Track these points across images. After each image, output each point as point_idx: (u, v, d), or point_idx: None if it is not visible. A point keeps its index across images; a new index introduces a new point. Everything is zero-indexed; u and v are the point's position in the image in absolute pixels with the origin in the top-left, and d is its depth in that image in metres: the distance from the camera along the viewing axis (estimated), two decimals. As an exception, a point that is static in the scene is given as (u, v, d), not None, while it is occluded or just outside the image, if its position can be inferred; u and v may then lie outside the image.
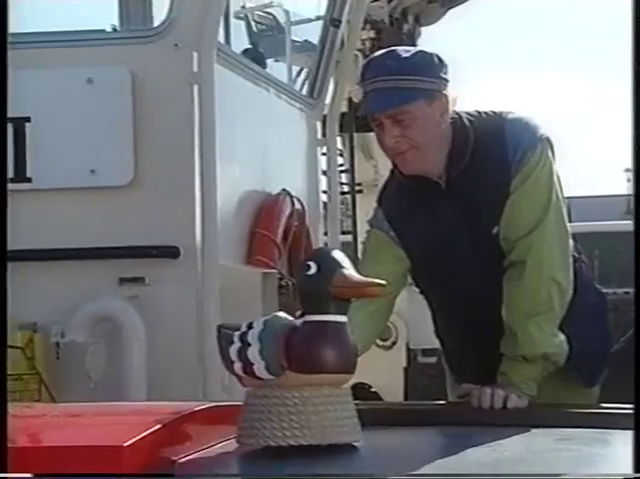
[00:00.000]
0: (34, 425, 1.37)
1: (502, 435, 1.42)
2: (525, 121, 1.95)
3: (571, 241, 1.97)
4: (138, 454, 1.09)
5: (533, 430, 1.47)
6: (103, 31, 3.07)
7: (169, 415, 1.26)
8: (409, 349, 4.60)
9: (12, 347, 2.71)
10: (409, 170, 1.92)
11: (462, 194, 1.93)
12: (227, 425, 1.29)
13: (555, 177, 1.96)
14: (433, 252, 1.95)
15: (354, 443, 1.26)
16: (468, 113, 1.97)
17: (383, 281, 1.29)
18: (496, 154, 1.92)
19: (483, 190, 1.92)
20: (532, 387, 1.85)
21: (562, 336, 1.90)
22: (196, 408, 1.32)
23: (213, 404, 1.40)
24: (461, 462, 1.25)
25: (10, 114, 3.17)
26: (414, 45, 4.77)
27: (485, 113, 1.99)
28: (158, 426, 1.17)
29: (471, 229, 1.94)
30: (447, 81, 1.88)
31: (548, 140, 1.95)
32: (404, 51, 1.90)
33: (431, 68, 1.87)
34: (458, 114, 1.95)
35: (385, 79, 1.83)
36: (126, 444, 1.08)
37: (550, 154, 1.95)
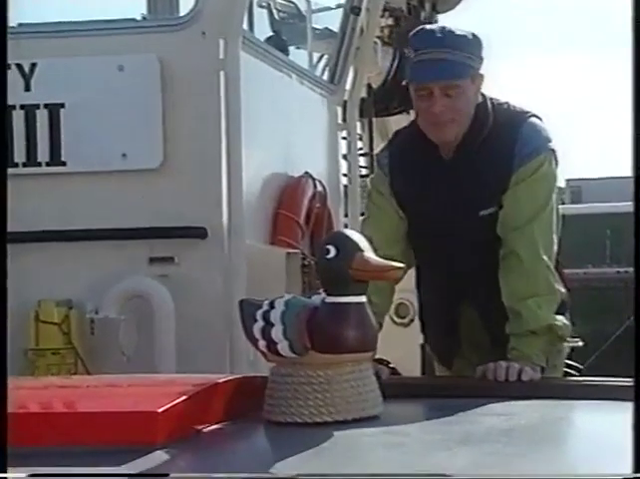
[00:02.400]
0: (71, 394, 1.44)
1: (517, 406, 1.48)
2: (542, 127, 2.08)
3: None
4: (170, 421, 1.14)
5: (548, 401, 1.52)
6: (133, 20, 3.16)
7: (199, 386, 1.31)
8: (426, 327, 4.68)
9: (49, 323, 2.84)
10: (441, 138, 2.04)
11: (464, 170, 2.06)
12: (254, 396, 1.34)
13: (554, 184, 2.07)
14: (417, 208, 2.10)
15: (377, 415, 1.31)
16: (495, 99, 2.10)
17: (401, 265, 1.36)
18: (506, 145, 2.04)
19: (484, 173, 2.05)
20: (543, 359, 1.94)
21: (563, 317, 2.00)
22: (225, 380, 1.38)
23: (241, 376, 1.46)
24: (476, 429, 1.31)
25: (45, 100, 3.30)
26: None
27: (511, 106, 2.12)
28: (189, 395, 1.22)
29: (458, 204, 2.07)
30: (482, 62, 2.03)
31: (554, 151, 2.08)
32: (453, 28, 2.02)
33: (478, 48, 2.01)
34: (484, 97, 2.08)
35: (440, 50, 1.94)
36: (160, 410, 1.13)
37: (554, 164, 2.07)
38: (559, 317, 1.98)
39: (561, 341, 2.01)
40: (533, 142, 2.04)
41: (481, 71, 2.04)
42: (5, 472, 0.96)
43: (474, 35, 2.02)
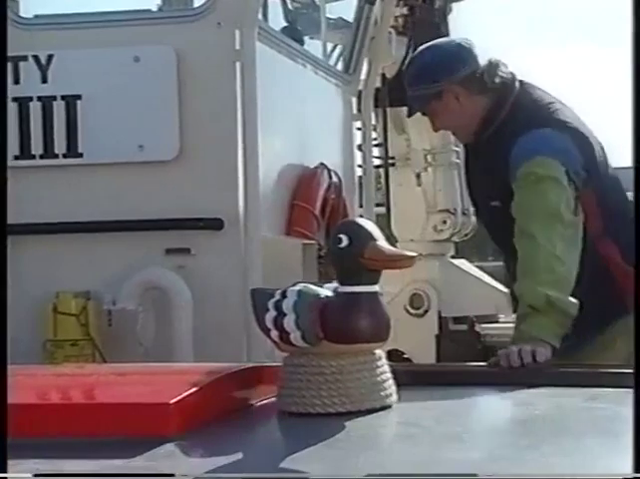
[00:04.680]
0: (83, 384, 1.43)
1: (533, 394, 1.46)
2: (555, 134, 2.14)
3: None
4: (182, 412, 1.14)
5: (563, 389, 1.50)
6: (149, 11, 3.16)
7: (213, 375, 1.31)
8: (440, 317, 4.69)
9: (67, 314, 2.85)
10: (460, 141, 2.51)
11: (482, 156, 2.26)
12: (267, 385, 1.34)
13: (551, 186, 2.09)
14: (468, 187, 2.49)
15: (391, 405, 1.30)
16: (528, 90, 2.23)
17: (414, 253, 1.34)
18: (506, 147, 2.13)
19: (488, 168, 2.23)
20: (552, 337, 1.94)
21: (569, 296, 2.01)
22: (238, 369, 1.38)
23: (254, 365, 1.46)
24: (491, 419, 1.32)
25: (62, 92, 3.31)
26: (445, 21, 4.82)
27: (539, 103, 2.21)
28: (202, 385, 1.22)
29: (478, 193, 2.36)
30: (455, 71, 2.22)
31: (556, 156, 2.10)
32: (422, 57, 2.30)
33: (439, 72, 2.23)
34: (518, 84, 2.25)
35: (409, 89, 2.29)
36: (172, 402, 1.12)
37: (552, 169, 2.09)
38: (562, 294, 1.99)
39: (569, 318, 1.98)
40: (539, 145, 2.11)
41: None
42: (5, 472, 0.95)
43: (445, 55, 2.25)
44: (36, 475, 0.95)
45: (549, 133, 2.15)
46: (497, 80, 2.21)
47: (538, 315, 1.96)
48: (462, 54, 2.24)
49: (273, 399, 1.33)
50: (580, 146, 2.18)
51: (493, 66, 2.23)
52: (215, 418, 1.23)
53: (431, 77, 2.22)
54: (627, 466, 0.92)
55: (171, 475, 0.97)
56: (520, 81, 2.26)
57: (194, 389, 1.20)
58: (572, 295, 2.01)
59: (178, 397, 1.15)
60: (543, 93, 2.29)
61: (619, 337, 2.16)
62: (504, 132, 2.18)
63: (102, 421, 1.14)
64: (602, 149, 2.31)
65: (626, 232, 2.26)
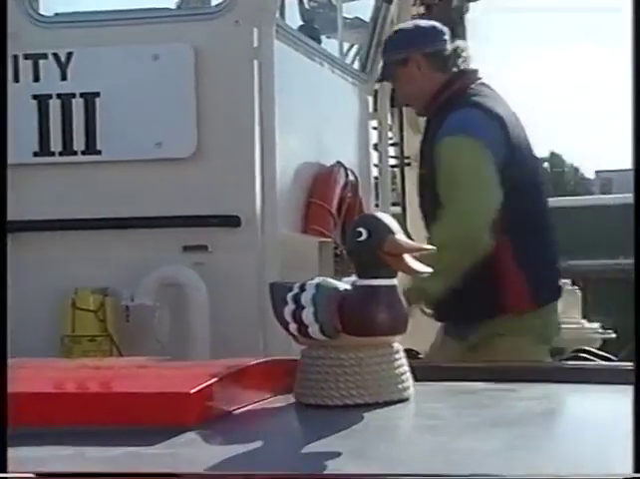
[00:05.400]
0: (102, 375, 1.45)
1: (552, 389, 1.46)
2: (468, 116, 2.40)
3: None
4: (202, 402, 1.15)
5: (584, 386, 1.51)
6: (167, 9, 3.18)
7: (231, 368, 1.32)
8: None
9: (85, 310, 2.87)
10: (413, 110, 2.79)
11: (428, 132, 2.57)
12: (285, 379, 1.35)
13: (464, 166, 2.35)
14: None
15: (408, 398, 1.31)
16: (480, 85, 2.51)
17: (432, 247, 1.36)
18: (439, 126, 2.44)
19: (432, 141, 2.49)
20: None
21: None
22: (256, 362, 1.39)
23: (272, 358, 1.47)
24: (508, 412, 1.31)
25: (81, 90, 3.33)
26: (462, 20, 4.81)
27: (473, 90, 2.50)
28: (220, 376, 1.23)
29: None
30: (423, 44, 2.52)
31: (474, 138, 2.35)
32: (399, 29, 2.66)
33: (409, 40, 2.54)
34: (475, 78, 2.53)
35: (383, 55, 2.67)
36: (192, 391, 1.13)
37: (467, 149, 2.35)
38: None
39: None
40: (451, 125, 2.38)
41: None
42: (5, 472, 0.95)
43: (410, 29, 2.61)
44: (38, 474, 0.95)
45: (476, 113, 2.39)
46: (458, 64, 2.50)
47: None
48: (434, 32, 2.54)
49: (291, 392, 1.34)
50: (505, 134, 2.40)
51: (459, 52, 2.51)
52: (234, 409, 1.24)
53: (401, 44, 2.53)
54: (611, 472, 0.92)
55: (173, 475, 0.97)
56: (480, 78, 2.53)
57: (214, 380, 1.22)
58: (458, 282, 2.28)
59: (198, 387, 1.16)
60: (494, 94, 2.53)
61: (497, 336, 2.28)
62: (444, 109, 2.45)
63: (122, 410, 1.15)
64: (531, 153, 2.52)
65: (529, 234, 2.46)
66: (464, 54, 2.50)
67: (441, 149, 2.35)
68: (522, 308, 2.37)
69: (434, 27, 2.56)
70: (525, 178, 2.44)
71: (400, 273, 1.33)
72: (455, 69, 2.49)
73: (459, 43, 2.55)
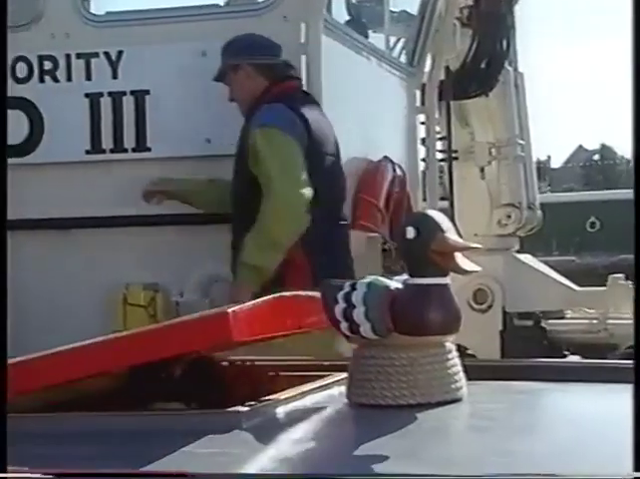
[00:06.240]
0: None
1: (602, 390, 1.44)
2: (272, 111, 2.69)
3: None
4: (242, 320, 1.19)
5: (621, 385, 1.44)
6: (216, 6, 3.19)
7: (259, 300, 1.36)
8: (505, 313, 4.64)
9: (136, 306, 2.91)
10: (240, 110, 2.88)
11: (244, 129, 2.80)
12: (317, 313, 1.36)
13: (274, 155, 2.64)
14: None
15: (461, 398, 1.29)
16: (296, 89, 2.84)
17: (480, 246, 1.35)
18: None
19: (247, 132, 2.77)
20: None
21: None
22: (291, 294, 1.42)
23: (305, 293, 1.48)
24: (561, 413, 1.29)
25: (131, 87, 3.36)
26: (511, 11, 4.75)
27: (290, 94, 2.79)
28: (255, 302, 1.29)
29: None
30: (254, 55, 2.81)
31: (282, 128, 2.63)
32: (239, 37, 2.85)
33: (244, 50, 2.81)
34: (301, 85, 2.86)
35: (221, 59, 2.86)
36: (230, 310, 1.18)
37: (273, 140, 2.63)
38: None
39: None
40: (257, 120, 2.69)
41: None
42: (5, 472, 0.96)
43: (245, 40, 2.84)
44: (36, 474, 0.96)
45: (281, 107, 2.67)
46: (285, 74, 2.79)
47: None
48: (265, 47, 2.82)
49: (322, 320, 1.35)
50: (306, 127, 2.67)
51: (287, 64, 2.81)
52: (270, 331, 1.28)
53: (236, 52, 2.81)
54: (611, 472, 0.91)
55: (170, 475, 0.98)
56: (301, 87, 2.85)
57: (250, 304, 1.28)
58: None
59: (236, 308, 1.21)
60: (310, 99, 2.81)
61: None
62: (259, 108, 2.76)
63: (171, 341, 1.21)
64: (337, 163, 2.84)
65: (321, 221, 2.70)
66: (290, 65, 2.83)
67: (247, 139, 2.68)
68: (302, 286, 2.56)
69: (267, 42, 2.84)
70: (325, 170, 2.76)
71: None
72: (280, 78, 2.80)
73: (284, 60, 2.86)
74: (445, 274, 1.29)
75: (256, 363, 1.51)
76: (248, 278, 2.60)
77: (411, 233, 1.28)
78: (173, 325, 1.25)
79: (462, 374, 1.32)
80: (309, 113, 2.74)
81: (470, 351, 4.35)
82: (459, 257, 1.29)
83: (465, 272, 1.29)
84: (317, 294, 1.39)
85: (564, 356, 4.66)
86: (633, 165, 1.02)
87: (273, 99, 2.74)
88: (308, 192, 2.63)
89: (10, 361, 1.20)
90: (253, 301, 1.31)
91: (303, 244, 2.65)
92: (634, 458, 0.90)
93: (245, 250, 2.62)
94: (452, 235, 1.28)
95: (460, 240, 1.29)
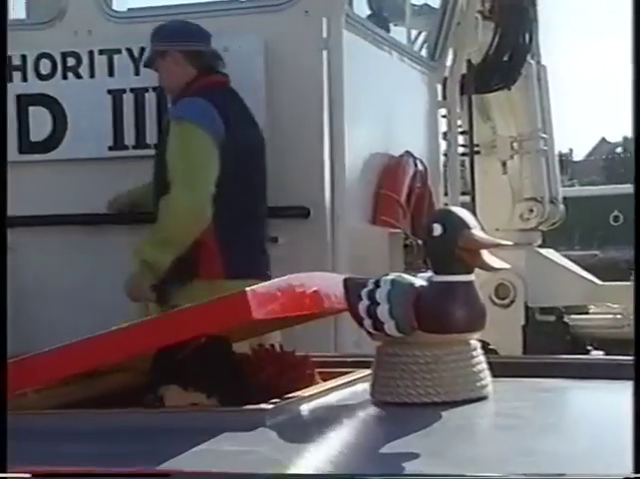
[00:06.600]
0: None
1: (625, 388, 1.38)
2: (186, 104, 2.69)
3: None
4: (260, 297, 1.20)
5: None
6: (237, 1, 3.19)
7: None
8: (527, 308, 4.61)
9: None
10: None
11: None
12: (334, 293, 1.38)
13: (185, 149, 2.61)
14: None
15: (486, 396, 1.28)
16: (223, 83, 2.82)
17: (509, 242, 1.34)
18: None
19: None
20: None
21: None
22: (306, 275, 1.44)
23: (314, 274, 1.50)
24: (589, 412, 1.29)
25: (153, 83, 3.35)
26: (534, 4, 4.71)
27: (214, 88, 2.77)
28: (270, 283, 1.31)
29: None
30: (182, 43, 2.78)
31: (196, 122, 2.62)
32: (170, 23, 2.85)
33: (174, 37, 2.79)
34: (226, 80, 2.82)
35: (150, 44, 2.85)
36: (248, 289, 1.19)
37: (185, 133, 2.62)
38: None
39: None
40: (176, 110, 2.72)
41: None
42: (5, 472, 0.96)
43: (173, 26, 2.84)
44: (35, 475, 0.96)
45: (197, 100, 2.65)
46: (213, 65, 2.77)
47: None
48: (199, 34, 2.78)
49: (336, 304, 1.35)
50: (223, 120, 2.64)
51: (217, 55, 2.79)
52: (289, 310, 1.29)
53: (164, 39, 2.78)
54: (611, 472, 0.90)
55: (168, 475, 0.98)
56: (228, 82, 2.80)
57: (268, 283, 1.30)
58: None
59: (254, 287, 1.22)
60: (232, 94, 2.78)
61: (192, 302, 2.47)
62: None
63: (191, 323, 1.22)
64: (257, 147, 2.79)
65: (236, 212, 2.69)
66: (218, 55, 2.80)
67: (167, 132, 2.67)
68: (213, 277, 2.60)
69: (197, 29, 2.80)
70: (243, 167, 2.70)
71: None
72: (207, 69, 2.77)
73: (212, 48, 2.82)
74: (470, 272, 1.28)
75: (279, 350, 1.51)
76: (140, 272, 2.60)
77: (437, 229, 1.27)
78: (193, 307, 1.26)
79: (487, 372, 1.31)
80: (232, 109, 2.72)
81: (491, 347, 4.34)
82: (485, 254, 1.28)
83: (492, 269, 1.28)
84: (334, 276, 1.39)
85: (587, 352, 4.63)
86: (634, 165, 0.99)
87: (200, 90, 2.71)
88: (208, 193, 2.59)
89: (35, 353, 1.22)
90: (271, 281, 1.32)
91: (216, 239, 2.63)
92: (634, 458, 0.89)
93: (139, 245, 2.61)
94: (478, 231, 1.27)
95: (487, 237, 1.28)
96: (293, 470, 1.00)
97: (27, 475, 0.95)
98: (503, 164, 4.87)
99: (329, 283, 1.43)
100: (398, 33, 4.05)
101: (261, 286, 1.25)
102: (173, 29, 2.80)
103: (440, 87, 4.04)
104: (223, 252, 2.64)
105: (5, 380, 1.07)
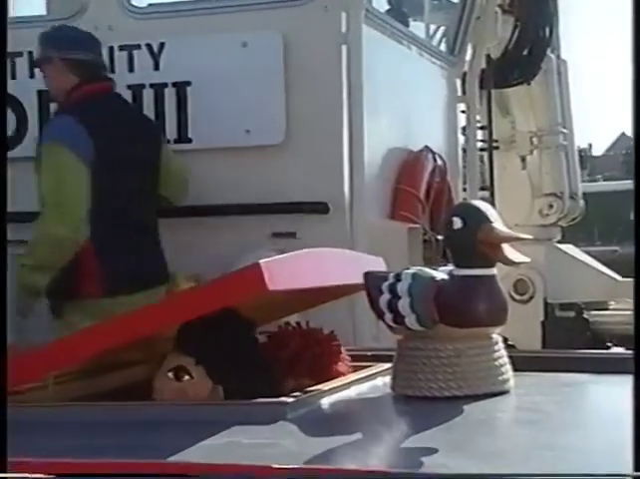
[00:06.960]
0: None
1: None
2: (56, 123, 2.74)
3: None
4: (273, 270, 1.20)
5: None
6: (256, -4, 3.19)
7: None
8: (546, 303, 4.59)
9: (178, 295, 2.92)
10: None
11: None
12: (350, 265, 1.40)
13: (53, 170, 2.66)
14: None
15: (508, 390, 1.28)
16: (107, 89, 2.84)
17: (530, 236, 1.34)
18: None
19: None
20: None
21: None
22: (308, 251, 1.42)
23: (323, 250, 1.49)
24: (610, 407, 1.29)
25: (173, 79, 3.36)
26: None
27: (95, 97, 2.79)
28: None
29: None
30: (66, 50, 2.77)
31: (66, 144, 2.65)
32: (61, 28, 2.88)
33: (51, 42, 2.80)
34: (102, 84, 2.83)
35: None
36: (262, 262, 1.20)
37: (54, 155, 2.64)
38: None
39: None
40: (47, 132, 2.76)
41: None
42: (5, 472, 0.97)
43: (57, 33, 2.84)
44: (35, 475, 0.96)
45: (67, 120, 2.68)
46: (97, 73, 2.79)
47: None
48: (83, 42, 2.79)
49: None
50: (94, 138, 2.65)
51: (101, 63, 2.82)
52: (302, 283, 1.30)
53: (49, 44, 2.80)
54: (611, 472, 0.90)
55: (166, 475, 0.98)
56: (112, 88, 2.83)
57: (282, 257, 1.31)
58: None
59: (268, 259, 1.23)
60: (118, 104, 2.83)
61: (80, 321, 2.48)
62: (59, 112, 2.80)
63: (209, 298, 1.24)
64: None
65: (113, 229, 2.72)
66: (100, 63, 2.82)
67: (41, 153, 2.68)
68: (97, 295, 2.65)
69: (81, 36, 2.81)
70: (117, 182, 2.70)
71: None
72: (90, 77, 2.78)
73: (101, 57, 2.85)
74: (491, 265, 1.27)
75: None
76: (21, 292, 2.63)
77: (457, 223, 1.27)
78: (209, 283, 1.29)
79: (508, 366, 1.31)
80: (109, 118, 2.75)
81: (510, 342, 4.32)
82: (506, 248, 1.28)
83: (512, 264, 1.28)
84: (351, 252, 1.39)
85: (608, 348, 4.60)
86: (634, 164, 0.98)
87: (79, 99, 2.74)
88: (78, 215, 2.63)
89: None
90: (286, 254, 1.34)
91: (94, 257, 2.66)
92: (634, 458, 0.89)
93: (17, 267, 2.63)
94: (498, 225, 1.27)
95: (507, 231, 1.28)
96: (315, 464, 1.00)
97: (27, 475, 0.95)
98: (523, 159, 4.84)
99: (346, 259, 1.42)
100: (417, 28, 4.04)
101: (275, 259, 1.25)
102: (57, 36, 2.83)
103: (459, 82, 4.02)
104: (101, 271, 2.67)
105: (5, 378, 1.08)
